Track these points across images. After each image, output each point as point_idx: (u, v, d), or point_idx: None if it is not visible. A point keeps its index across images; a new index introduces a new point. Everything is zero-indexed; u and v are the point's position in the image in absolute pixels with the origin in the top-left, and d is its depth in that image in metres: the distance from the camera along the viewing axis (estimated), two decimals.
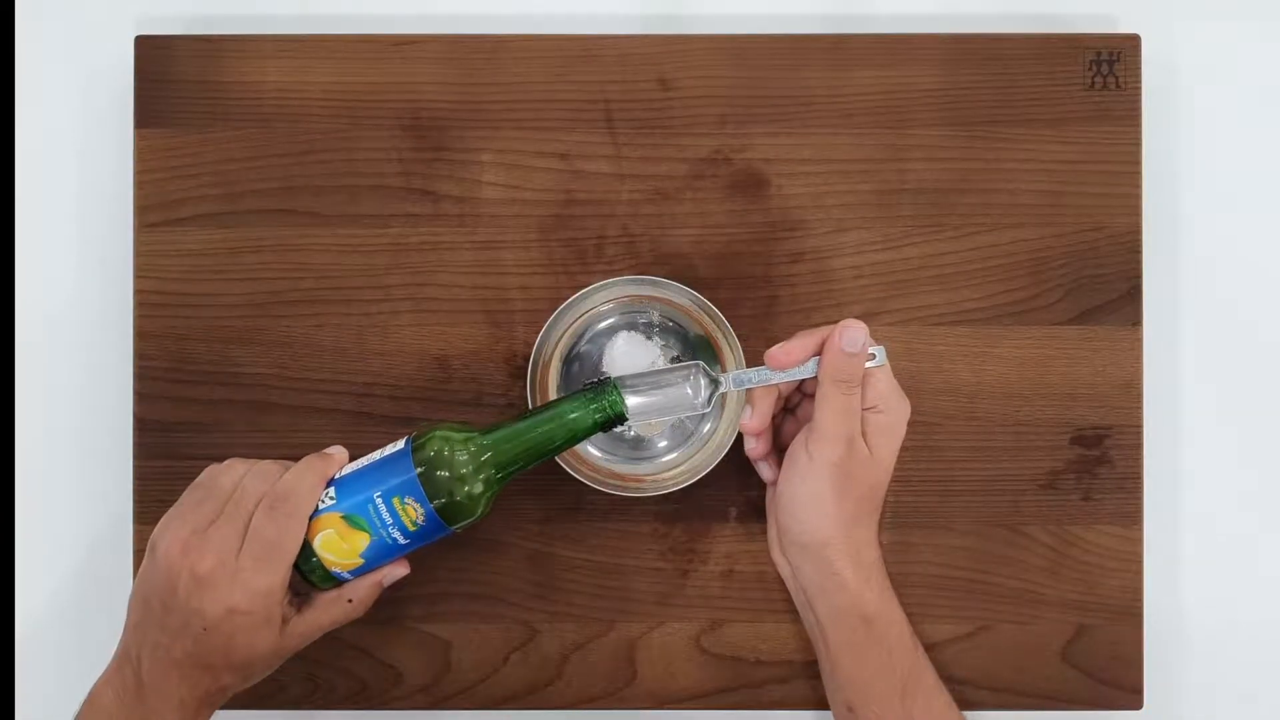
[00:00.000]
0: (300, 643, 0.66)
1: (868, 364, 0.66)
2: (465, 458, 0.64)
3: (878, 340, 0.68)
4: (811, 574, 0.69)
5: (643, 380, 0.67)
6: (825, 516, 0.67)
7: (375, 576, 0.67)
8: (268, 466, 0.66)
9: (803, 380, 0.68)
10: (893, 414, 0.67)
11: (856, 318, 0.67)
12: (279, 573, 0.63)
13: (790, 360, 0.66)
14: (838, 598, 0.68)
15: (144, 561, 0.65)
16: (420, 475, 0.64)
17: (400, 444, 0.66)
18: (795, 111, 0.75)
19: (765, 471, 0.71)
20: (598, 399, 0.65)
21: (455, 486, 0.64)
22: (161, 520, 0.65)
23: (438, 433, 0.65)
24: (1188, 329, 0.78)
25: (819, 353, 0.66)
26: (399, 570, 0.67)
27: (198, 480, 0.66)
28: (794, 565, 0.70)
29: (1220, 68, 0.79)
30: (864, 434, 0.67)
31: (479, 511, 0.65)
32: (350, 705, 0.75)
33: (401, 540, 0.65)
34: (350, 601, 0.66)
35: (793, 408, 0.71)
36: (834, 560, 0.68)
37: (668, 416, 0.68)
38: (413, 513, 0.64)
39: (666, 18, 0.78)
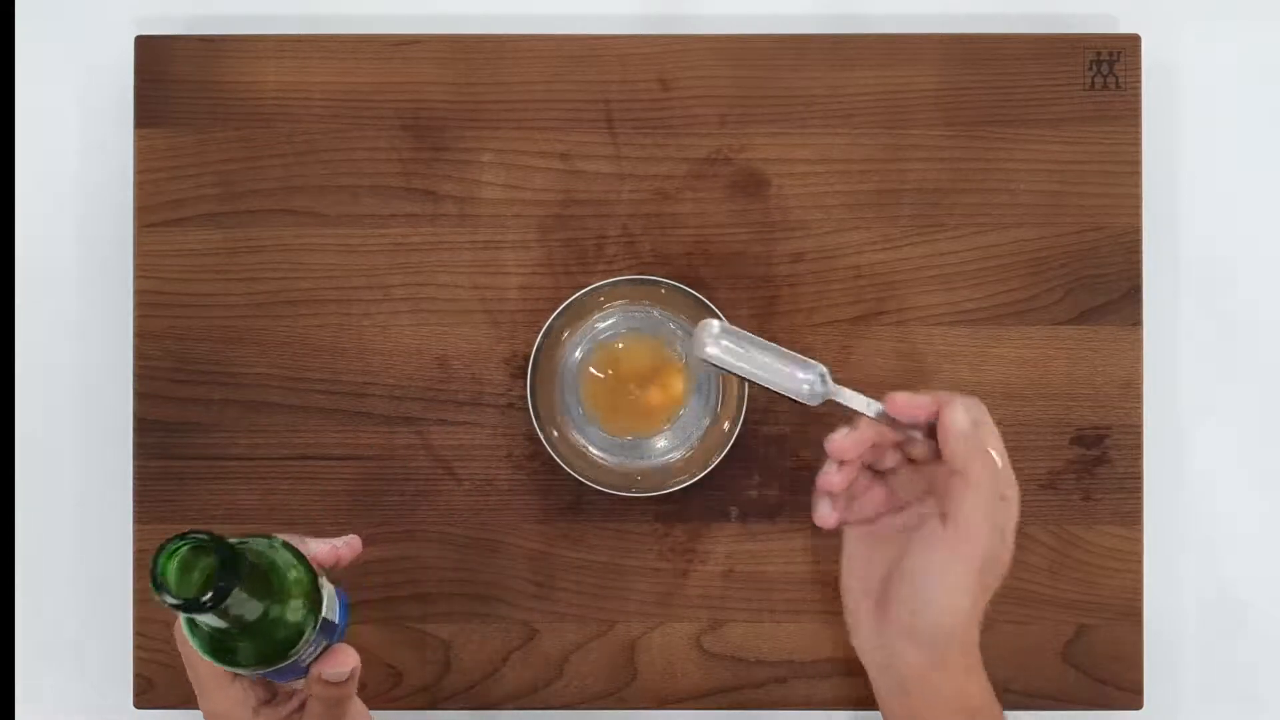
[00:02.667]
0: None
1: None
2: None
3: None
4: (917, 662, 0.60)
5: (754, 342, 0.58)
6: (962, 602, 0.59)
7: (317, 672, 0.60)
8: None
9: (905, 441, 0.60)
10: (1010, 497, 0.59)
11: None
12: (213, 698, 0.59)
13: (909, 410, 0.58)
14: (945, 687, 0.60)
15: None
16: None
17: None
18: (795, 111, 0.75)
19: (823, 509, 0.60)
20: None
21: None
22: None
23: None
24: (1188, 329, 0.78)
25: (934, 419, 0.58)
26: (334, 666, 0.60)
27: None
28: (896, 651, 0.60)
29: (1220, 68, 0.79)
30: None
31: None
32: None
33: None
34: (312, 698, 0.60)
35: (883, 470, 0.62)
36: (950, 648, 0.60)
37: (761, 380, 0.58)
38: None
39: (666, 18, 0.78)
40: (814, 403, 0.59)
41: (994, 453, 0.59)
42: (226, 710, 0.60)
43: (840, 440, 0.58)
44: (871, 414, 0.58)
